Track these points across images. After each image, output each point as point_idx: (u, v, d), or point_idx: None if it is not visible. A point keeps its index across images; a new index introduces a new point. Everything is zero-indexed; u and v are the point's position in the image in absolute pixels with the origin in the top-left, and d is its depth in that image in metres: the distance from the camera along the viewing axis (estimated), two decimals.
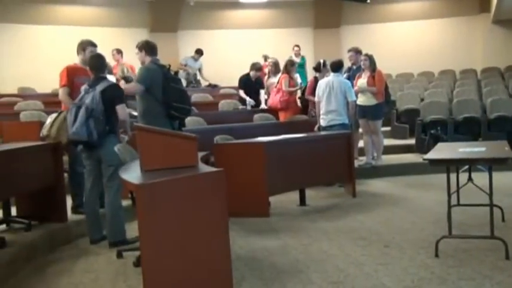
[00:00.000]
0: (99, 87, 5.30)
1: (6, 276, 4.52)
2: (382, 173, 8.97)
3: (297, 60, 11.90)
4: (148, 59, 6.06)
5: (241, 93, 10.30)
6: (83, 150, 5.42)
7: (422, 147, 9.83)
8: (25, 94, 11.65)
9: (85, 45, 6.15)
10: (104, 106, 5.23)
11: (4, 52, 13.44)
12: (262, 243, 5.33)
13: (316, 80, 9.20)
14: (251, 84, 10.32)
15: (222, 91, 13.21)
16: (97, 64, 5.56)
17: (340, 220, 6.19)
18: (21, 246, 5.04)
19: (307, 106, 9.65)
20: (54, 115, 5.97)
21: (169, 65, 6.21)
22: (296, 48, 12.97)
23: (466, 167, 5.27)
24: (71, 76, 6.04)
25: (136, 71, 7.19)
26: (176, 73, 7.06)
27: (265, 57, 12.70)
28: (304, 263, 4.64)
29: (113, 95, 5.35)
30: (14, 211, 5.92)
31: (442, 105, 11.46)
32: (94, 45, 6.19)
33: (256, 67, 10.26)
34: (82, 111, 5.17)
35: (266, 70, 11.03)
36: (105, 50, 6.67)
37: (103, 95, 5.24)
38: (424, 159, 4.62)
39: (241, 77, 10.64)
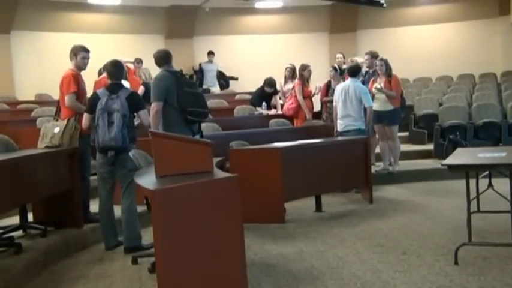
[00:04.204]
0: (123, 94, 5.38)
1: (23, 282, 4.54)
2: (399, 179, 8.86)
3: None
4: (161, 68, 6.06)
5: (259, 109, 10.21)
6: (110, 157, 5.39)
7: (440, 153, 9.71)
8: (42, 101, 11.70)
9: (77, 51, 6.08)
10: (130, 113, 5.36)
11: (22, 59, 13.56)
12: (278, 250, 5.30)
13: (328, 85, 9.24)
14: (266, 97, 10.26)
15: (237, 97, 13.19)
16: (116, 70, 5.65)
17: (356, 226, 6.13)
18: (37, 251, 5.06)
19: (320, 111, 9.64)
20: (60, 123, 5.95)
21: (181, 70, 6.18)
22: (339, 56, 11.30)
23: (486, 172, 5.20)
24: (77, 82, 6.00)
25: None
26: (191, 77, 7.10)
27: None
28: (320, 270, 4.60)
29: (136, 102, 5.47)
30: (30, 217, 5.94)
31: (461, 109, 11.33)
32: (86, 50, 6.13)
33: (271, 83, 10.19)
34: (118, 118, 5.24)
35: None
36: (122, 56, 6.69)
37: (128, 102, 5.34)
38: (443, 165, 4.56)
39: (254, 94, 10.65)
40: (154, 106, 5.83)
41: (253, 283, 4.24)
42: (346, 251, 5.12)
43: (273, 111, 10.18)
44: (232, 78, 15.06)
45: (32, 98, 12.47)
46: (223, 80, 14.98)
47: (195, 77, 14.54)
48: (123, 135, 5.24)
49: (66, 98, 5.95)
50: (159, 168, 4.00)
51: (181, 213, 3.51)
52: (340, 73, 9.37)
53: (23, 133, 7.50)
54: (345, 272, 4.52)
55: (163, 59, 6.02)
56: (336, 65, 9.71)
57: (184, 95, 5.81)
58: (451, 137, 10.05)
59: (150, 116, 5.79)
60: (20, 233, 5.66)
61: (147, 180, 3.96)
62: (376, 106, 8.56)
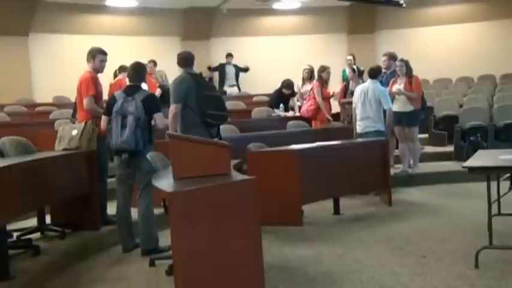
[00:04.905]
0: (139, 96, 5.36)
1: (41, 284, 4.55)
2: (419, 181, 8.77)
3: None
4: (182, 70, 6.05)
5: (276, 111, 10.19)
6: (124, 159, 5.40)
7: (461, 155, 9.60)
8: (60, 103, 11.77)
9: (95, 53, 6.07)
10: (145, 115, 5.33)
11: (40, 61, 13.65)
12: (296, 253, 5.27)
13: (346, 86, 9.23)
14: (284, 99, 10.23)
15: (255, 99, 13.17)
16: (139, 73, 5.67)
17: (375, 229, 6.08)
18: (55, 254, 5.08)
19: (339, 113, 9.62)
20: (77, 125, 5.96)
21: (201, 73, 6.18)
22: (349, 58, 11.31)
23: (507, 175, 5.12)
24: (95, 85, 6.01)
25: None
26: (211, 79, 7.09)
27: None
28: (338, 273, 4.56)
29: (152, 105, 5.45)
30: (48, 219, 5.96)
31: (482, 111, 11.22)
32: (104, 53, 6.12)
33: (289, 85, 10.16)
34: (131, 120, 5.23)
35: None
36: (138, 58, 6.68)
37: (144, 104, 5.32)
38: (463, 167, 4.52)
39: (272, 96, 10.64)
40: (173, 108, 5.83)
41: (270, 286, 4.20)
42: (365, 254, 5.08)
43: (290, 113, 10.15)
44: (244, 69, 15.04)
45: (50, 101, 12.53)
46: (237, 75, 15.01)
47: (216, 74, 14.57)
48: (136, 138, 5.22)
49: (85, 101, 5.95)
50: (177, 170, 3.99)
51: (199, 215, 3.51)
52: (358, 74, 9.32)
53: (41, 135, 7.48)
54: (363, 275, 4.48)
55: (187, 60, 6.06)
56: (354, 67, 9.64)
57: (204, 97, 5.82)
58: (471, 138, 9.98)
59: (168, 118, 5.78)
60: (38, 235, 5.68)
61: (165, 183, 3.96)
62: (396, 107, 8.49)
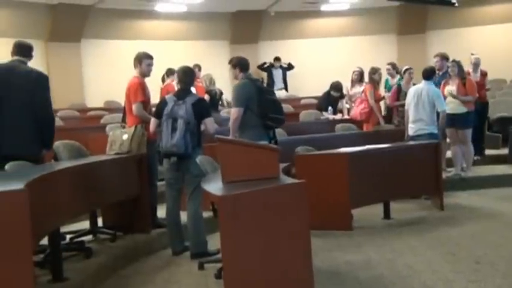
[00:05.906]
0: (190, 100, 5.44)
1: (93, 285, 4.63)
2: (472, 185, 8.54)
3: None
4: (241, 75, 6.12)
5: (325, 114, 10.12)
6: (173, 163, 5.48)
7: None
8: (111, 107, 11.99)
9: (141, 58, 6.17)
10: (195, 119, 5.40)
11: (91, 67, 13.98)
12: (345, 258, 5.21)
13: (399, 88, 9.06)
14: (332, 101, 10.14)
15: (303, 101, 13.13)
16: (188, 77, 5.74)
17: (427, 234, 5.97)
18: (107, 256, 5.19)
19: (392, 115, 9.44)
20: (128, 130, 6.05)
21: (262, 79, 6.26)
22: (388, 67, 10.42)
23: None
24: (144, 91, 6.10)
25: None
26: (268, 85, 7.17)
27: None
28: (389, 279, 4.50)
29: (202, 109, 5.53)
30: (100, 222, 6.08)
31: None
32: (150, 57, 6.21)
33: (337, 88, 10.07)
34: (181, 124, 5.31)
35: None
36: (188, 63, 6.77)
37: (194, 108, 5.38)
38: None
39: (320, 98, 10.58)
40: (235, 112, 5.93)
41: None
42: (416, 260, 4.99)
43: (339, 116, 10.06)
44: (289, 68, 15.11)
45: (101, 105, 12.80)
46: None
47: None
48: (185, 142, 5.29)
49: (134, 106, 6.06)
50: (226, 174, 4.02)
51: (249, 219, 3.53)
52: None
53: (92, 139, 7.65)
54: (415, 281, 4.40)
55: (248, 65, 6.17)
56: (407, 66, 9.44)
57: (267, 101, 5.96)
58: None
59: (230, 121, 5.85)
60: (90, 237, 5.80)
61: (214, 186, 3.99)
62: (449, 109, 8.29)
